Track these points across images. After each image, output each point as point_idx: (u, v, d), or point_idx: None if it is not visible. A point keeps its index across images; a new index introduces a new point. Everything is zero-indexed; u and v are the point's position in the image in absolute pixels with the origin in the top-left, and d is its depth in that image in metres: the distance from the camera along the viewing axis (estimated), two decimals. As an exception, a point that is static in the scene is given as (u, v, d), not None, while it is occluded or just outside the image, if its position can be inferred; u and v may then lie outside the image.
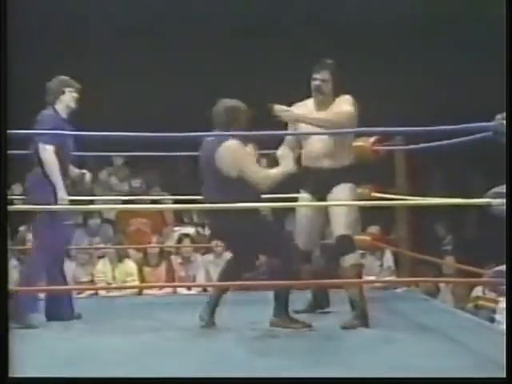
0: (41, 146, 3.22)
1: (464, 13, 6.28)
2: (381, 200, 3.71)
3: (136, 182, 6.14)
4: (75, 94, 3.38)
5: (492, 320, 4.86)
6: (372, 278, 5.15)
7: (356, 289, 3.21)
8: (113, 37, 6.35)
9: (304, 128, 3.17)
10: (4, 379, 1.85)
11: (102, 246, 5.43)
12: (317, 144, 3.20)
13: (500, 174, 2.75)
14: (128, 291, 4.72)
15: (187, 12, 6.31)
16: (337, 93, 3.21)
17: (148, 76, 6.36)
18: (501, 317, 4.98)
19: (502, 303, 4.96)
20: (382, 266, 5.28)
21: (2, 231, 1.90)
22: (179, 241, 5.37)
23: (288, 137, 3.28)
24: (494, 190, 2.71)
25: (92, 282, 5.12)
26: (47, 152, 3.22)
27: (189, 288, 5.02)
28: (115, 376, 2.23)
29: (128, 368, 2.52)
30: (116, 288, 4.95)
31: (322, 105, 3.20)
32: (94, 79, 6.44)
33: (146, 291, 4.82)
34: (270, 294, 3.15)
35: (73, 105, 3.38)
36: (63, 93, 3.35)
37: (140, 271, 5.18)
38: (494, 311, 5.09)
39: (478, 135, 2.92)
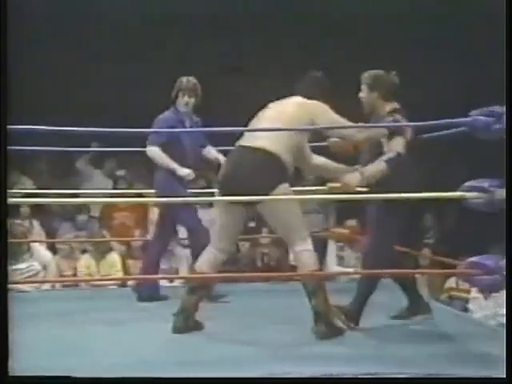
0: (147, 148, 3.74)
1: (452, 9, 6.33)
2: (358, 194, 3.81)
3: (121, 172, 6.20)
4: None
5: (465, 310, 5.03)
6: (350, 269, 5.28)
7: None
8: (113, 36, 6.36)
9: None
10: (4, 378, 1.87)
11: (85, 239, 5.48)
12: None
13: (476, 167, 2.86)
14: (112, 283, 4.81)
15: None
16: None
17: (147, 74, 6.38)
18: (473, 306, 5.16)
19: (474, 293, 5.13)
20: (359, 258, 5.39)
21: (2, 225, 1.89)
22: None
23: None
24: (468, 183, 2.82)
25: (74, 275, 5.16)
26: (152, 152, 3.74)
27: (171, 280, 5.10)
28: (116, 376, 2.27)
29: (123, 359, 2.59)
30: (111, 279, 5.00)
31: None
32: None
33: (129, 283, 4.89)
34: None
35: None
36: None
37: (124, 263, 5.27)
38: (466, 301, 5.26)
39: (453, 130, 3.04)
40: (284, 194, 2.93)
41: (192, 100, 3.80)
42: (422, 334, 3.08)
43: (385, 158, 3.05)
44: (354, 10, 6.15)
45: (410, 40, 6.27)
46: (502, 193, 2.68)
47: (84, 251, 5.43)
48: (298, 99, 3.12)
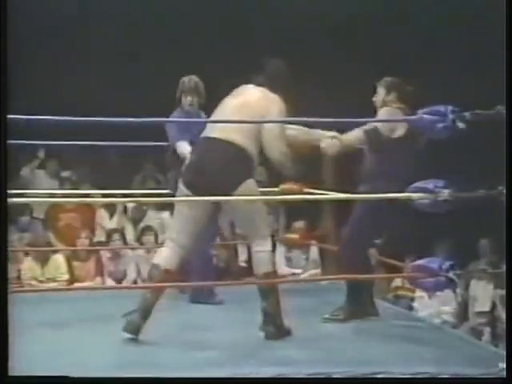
0: (176, 144, 3.59)
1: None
2: (309, 195, 3.84)
3: (66, 173, 6.10)
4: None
5: (410, 308, 5.16)
6: (298, 271, 5.33)
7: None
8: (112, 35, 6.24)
9: None
10: (3, 378, 1.84)
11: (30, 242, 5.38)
12: None
13: (424, 168, 2.90)
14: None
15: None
16: None
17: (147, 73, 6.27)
18: (418, 305, 5.30)
19: (419, 292, 5.27)
20: (307, 259, 5.45)
21: (2, 226, 1.82)
22: (142, 233, 5.37)
23: None
24: (414, 184, 2.87)
25: (19, 278, 5.06)
26: (181, 147, 3.56)
27: (119, 282, 5.05)
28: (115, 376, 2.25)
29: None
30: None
31: None
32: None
33: (76, 285, 4.85)
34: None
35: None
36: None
37: (69, 265, 5.18)
38: (412, 300, 5.39)
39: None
40: (250, 189, 2.89)
41: (195, 99, 3.73)
42: (371, 334, 3.12)
43: (364, 127, 3.12)
44: (354, 10, 6.18)
45: (409, 40, 6.30)
46: (446, 193, 2.74)
47: (27, 254, 5.30)
48: (261, 90, 3.00)
